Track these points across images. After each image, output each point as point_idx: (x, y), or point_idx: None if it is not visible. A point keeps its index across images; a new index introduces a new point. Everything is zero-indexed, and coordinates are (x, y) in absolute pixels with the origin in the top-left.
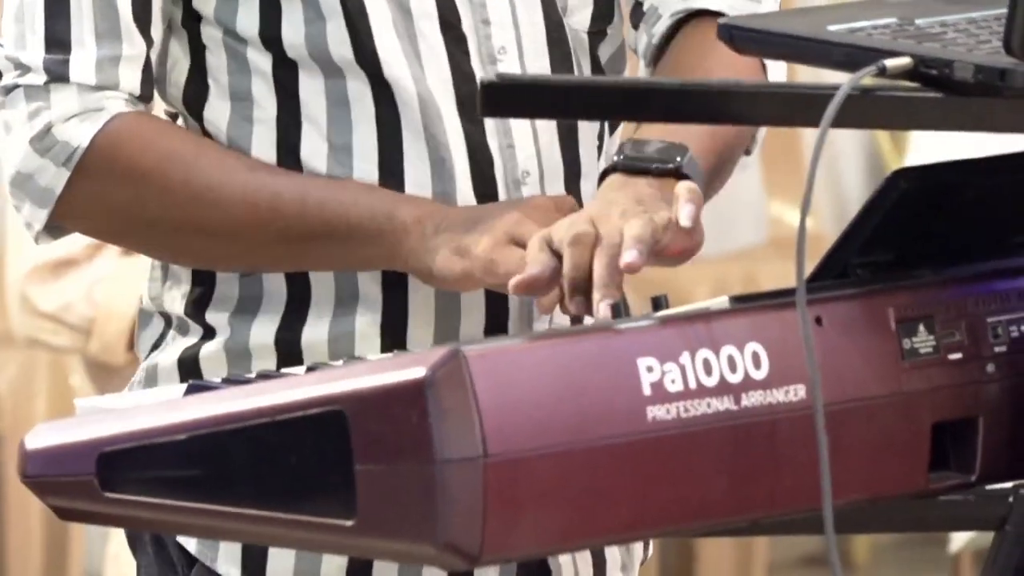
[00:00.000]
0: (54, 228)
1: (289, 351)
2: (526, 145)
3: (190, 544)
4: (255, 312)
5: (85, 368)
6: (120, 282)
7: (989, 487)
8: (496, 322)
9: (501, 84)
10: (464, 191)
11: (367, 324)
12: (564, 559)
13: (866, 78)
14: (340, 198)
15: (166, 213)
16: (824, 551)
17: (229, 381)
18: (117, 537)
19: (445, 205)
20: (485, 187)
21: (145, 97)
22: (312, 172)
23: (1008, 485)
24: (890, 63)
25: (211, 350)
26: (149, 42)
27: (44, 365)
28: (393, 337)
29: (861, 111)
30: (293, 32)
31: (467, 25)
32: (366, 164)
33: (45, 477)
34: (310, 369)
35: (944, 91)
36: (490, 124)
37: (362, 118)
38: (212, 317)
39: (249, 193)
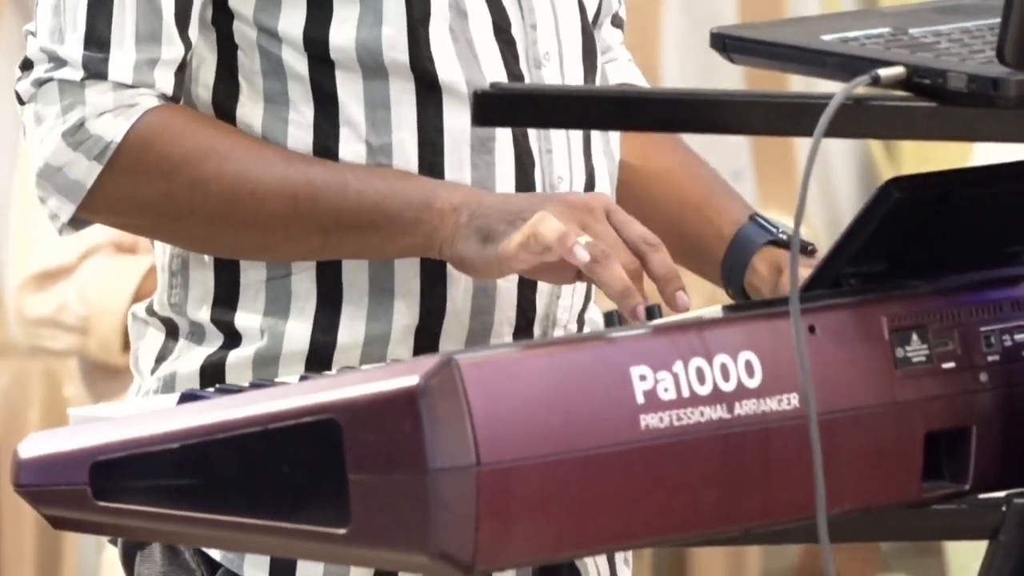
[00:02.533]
0: (78, 221)
1: (322, 355)
2: (561, 151)
3: (213, 550)
4: (286, 314)
5: (83, 373)
6: (111, 280)
7: (982, 496)
8: (525, 319)
9: (495, 93)
10: (506, 191)
11: (403, 319)
12: None
13: (859, 88)
14: (378, 187)
15: (198, 205)
16: (814, 564)
17: (222, 390)
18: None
19: (482, 191)
20: (525, 190)
21: (176, 98)
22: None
23: (1001, 494)
24: (884, 72)
25: (240, 357)
26: (187, 44)
27: (38, 375)
28: (428, 333)
29: (854, 121)
30: (342, 34)
31: (516, 29)
32: (405, 165)
33: (38, 486)
34: (303, 378)
35: (937, 101)
36: (531, 128)
37: (403, 120)
38: (241, 322)
39: (287, 184)
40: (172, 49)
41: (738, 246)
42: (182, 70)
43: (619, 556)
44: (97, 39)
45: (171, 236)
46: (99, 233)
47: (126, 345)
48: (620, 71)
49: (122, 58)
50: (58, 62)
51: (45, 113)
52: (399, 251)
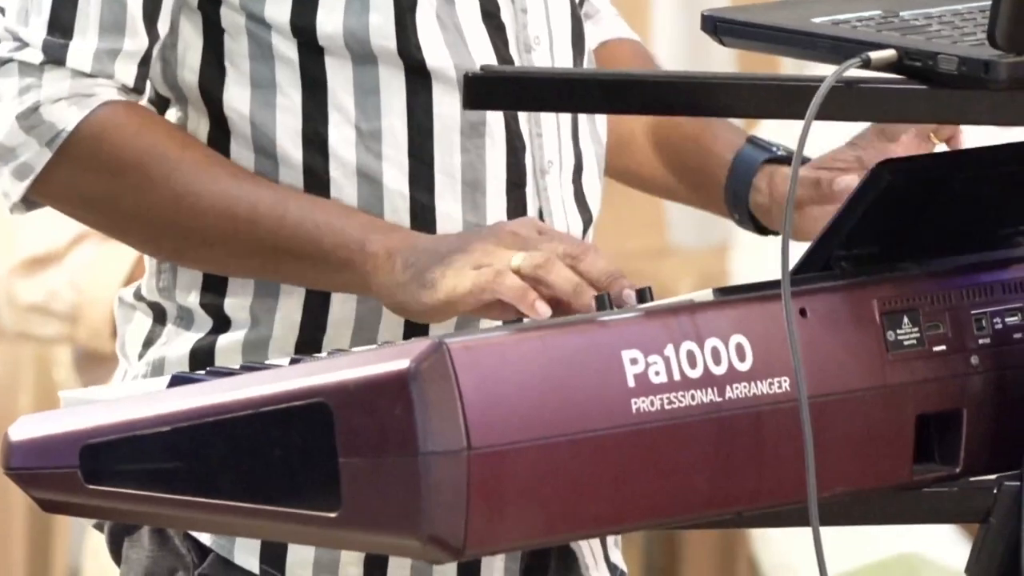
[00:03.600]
0: (30, 203)
1: (311, 340)
2: (551, 135)
3: (203, 535)
4: (275, 299)
5: (73, 359)
6: (102, 267)
7: (973, 479)
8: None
9: (485, 76)
10: (497, 176)
11: None
12: None
13: (850, 70)
14: (316, 219)
15: (142, 210)
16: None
17: (213, 373)
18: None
19: (417, 235)
20: (517, 175)
21: (138, 90)
22: (340, 159)
23: (992, 477)
24: (875, 55)
25: (229, 342)
26: (154, 37)
27: (29, 360)
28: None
29: (845, 103)
30: (330, 22)
31: (506, 14)
32: (395, 151)
33: (28, 469)
34: (294, 361)
35: (928, 83)
36: (523, 113)
37: (392, 105)
38: (230, 306)
39: (230, 202)
40: (136, 41)
41: (739, 168)
42: (146, 63)
43: (609, 538)
44: (61, 25)
45: (117, 234)
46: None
47: (114, 333)
48: (606, 26)
49: (83, 46)
50: (21, 43)
51: (3, 92)
52: (336, 287)
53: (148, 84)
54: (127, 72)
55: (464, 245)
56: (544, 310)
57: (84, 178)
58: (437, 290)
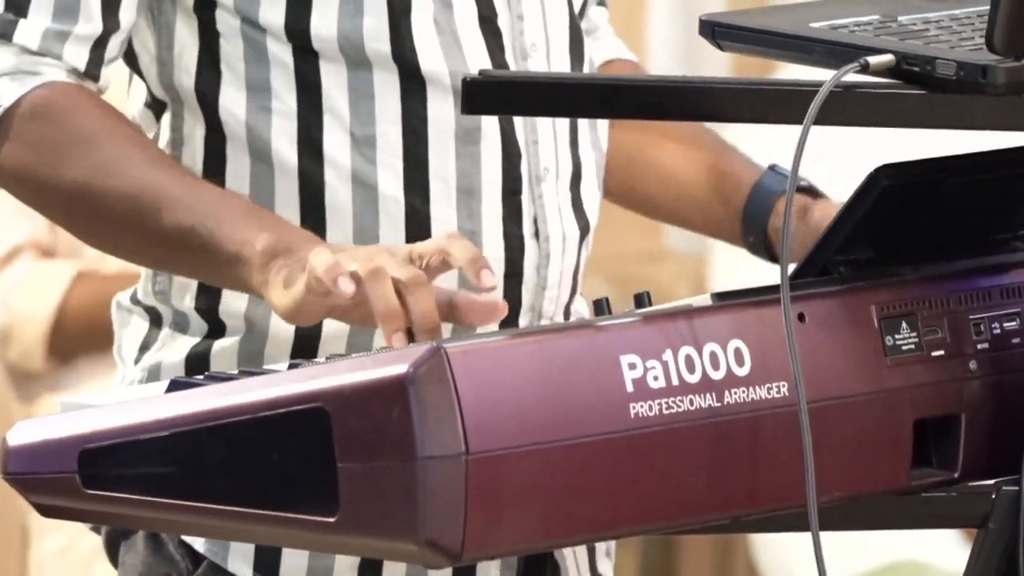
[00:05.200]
0: None
1: (307, 345)
2: (548, 142)
3: (197, 542)
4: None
5: (6, 374)
6: (35, 287)
7: (971, 484)
8: (512, 310)
9: (484, 81)
10: (492, 183)
11: None
12: (565, 549)
13: (848, 75)
14: (219, 216)
15: (55, 186)
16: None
17: (211, 378)
18: (37, 544)
19: (298, 236)
20: (512, 182)
21: (91, 75)
22: (335, 164)
23: (990, 482)
24: (873, 60)
25: (225, 347)
26: (112, 24)
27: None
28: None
29: (843, 108)
30: (324, 25)
31: (503, 20)
32: (390, 157)
33: (27, 474)
34: (292, 366)
35: (926, 88)
36: (518, 119)
37: (387, 111)
38: (225, 310)
39: (137, 188)
40: (89, 25)
41: (759, 193)
42: (101, 47)
43: (601, 548)
44: (16, 3)
45: (39, 209)
46: (19, 234)
47: (49, 352)
48: (606, 46)
49: (34, 24)
50: None
51: None
52: (228, 283)
53: (104, 72)
54: (77, 55)
55: (324, 252)
56: (346, 285)
57: (10, 151)
58: (291, 290)
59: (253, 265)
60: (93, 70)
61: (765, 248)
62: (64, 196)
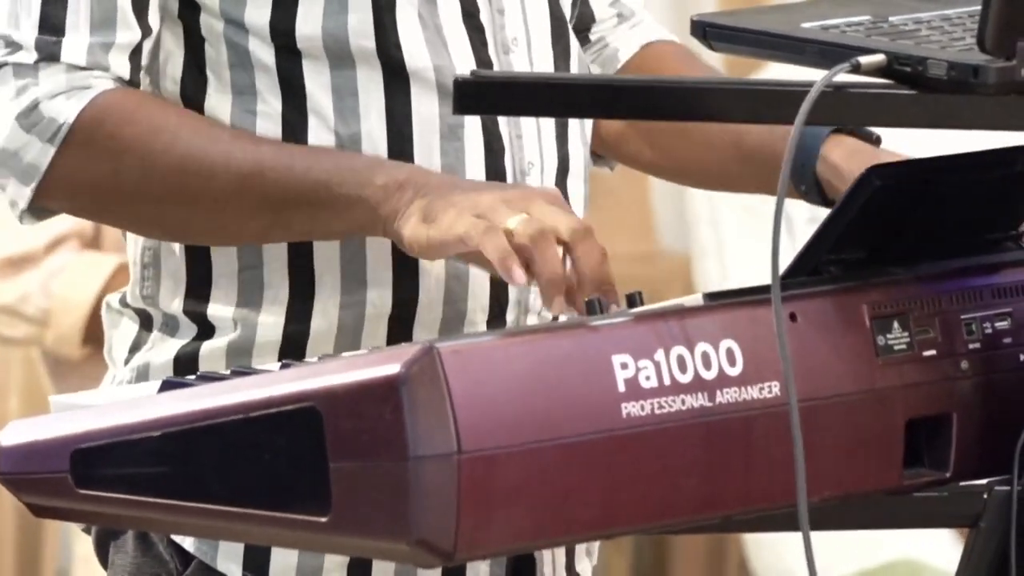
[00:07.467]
0: (39, 210)
1: (295, 346)
2: (531, 137)
3: (186, 541)
4: (259, 305)
5: (42, 361)
6: (77, 275)
7: (963, 484)
8: (498, 306)
9: (475, 81)
10: (476, 177)
11: (376, 308)
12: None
13: (840, 75)
14: (325, 165)
15: (145, 184)
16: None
17: (203, 378)
18: (86, 537)
19: (430, 171)
20: (495, 177)
21: (133, 83)
22: None
23: (982, 482)
24: (864, 60)
25: (213, 348)
26: (146, 30)
27: (17, 363)
28: (400, 322)
29: (835, 108)
30: (309, 24)
31: (484, 15)
32: (375, 154)
33: (19, 474)
34: (284, 366)
35: (918, 88)
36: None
37: (371, 108)
38: (214, 313)
39: (233, 160)
40: (127, 33)
41: (805, 139)
42: (138, 54)
43: (581, 547)
44: (52, 25)
45: (121, 218)
46: (64, 223)
47: (86, 340)
48: (647, 30)
49: (76, 41)
50: (13, 47)
51: (0, 96)
52: (346, 228)
53: (143, 79)
54: (121, 64)
55: (475, 192)
56: (519, 277)
57: (87, 165)
58: (435, 226)
59: (387, 196)
60: (135, 77)
61: (819, 194)
62: (155, 193)
